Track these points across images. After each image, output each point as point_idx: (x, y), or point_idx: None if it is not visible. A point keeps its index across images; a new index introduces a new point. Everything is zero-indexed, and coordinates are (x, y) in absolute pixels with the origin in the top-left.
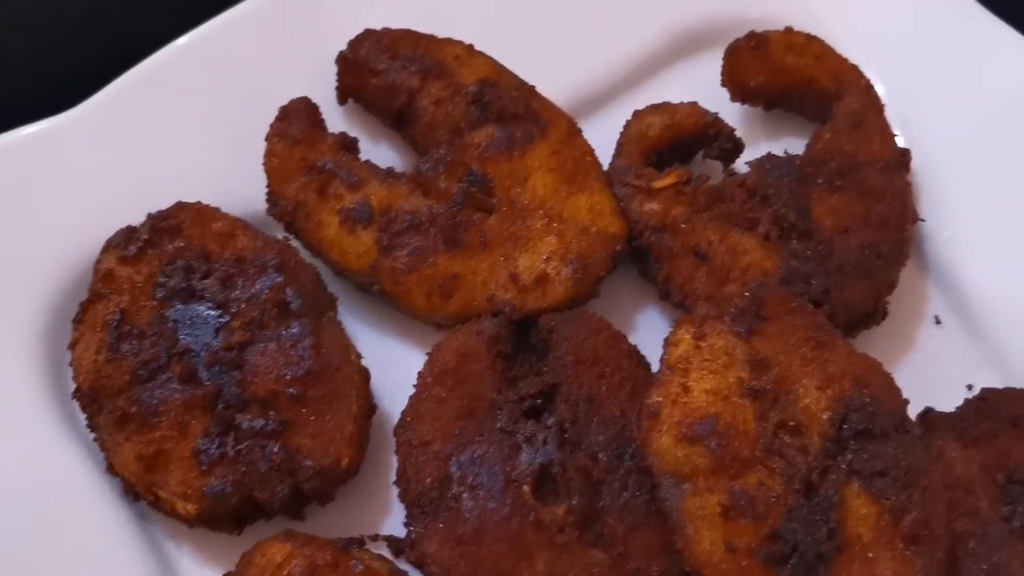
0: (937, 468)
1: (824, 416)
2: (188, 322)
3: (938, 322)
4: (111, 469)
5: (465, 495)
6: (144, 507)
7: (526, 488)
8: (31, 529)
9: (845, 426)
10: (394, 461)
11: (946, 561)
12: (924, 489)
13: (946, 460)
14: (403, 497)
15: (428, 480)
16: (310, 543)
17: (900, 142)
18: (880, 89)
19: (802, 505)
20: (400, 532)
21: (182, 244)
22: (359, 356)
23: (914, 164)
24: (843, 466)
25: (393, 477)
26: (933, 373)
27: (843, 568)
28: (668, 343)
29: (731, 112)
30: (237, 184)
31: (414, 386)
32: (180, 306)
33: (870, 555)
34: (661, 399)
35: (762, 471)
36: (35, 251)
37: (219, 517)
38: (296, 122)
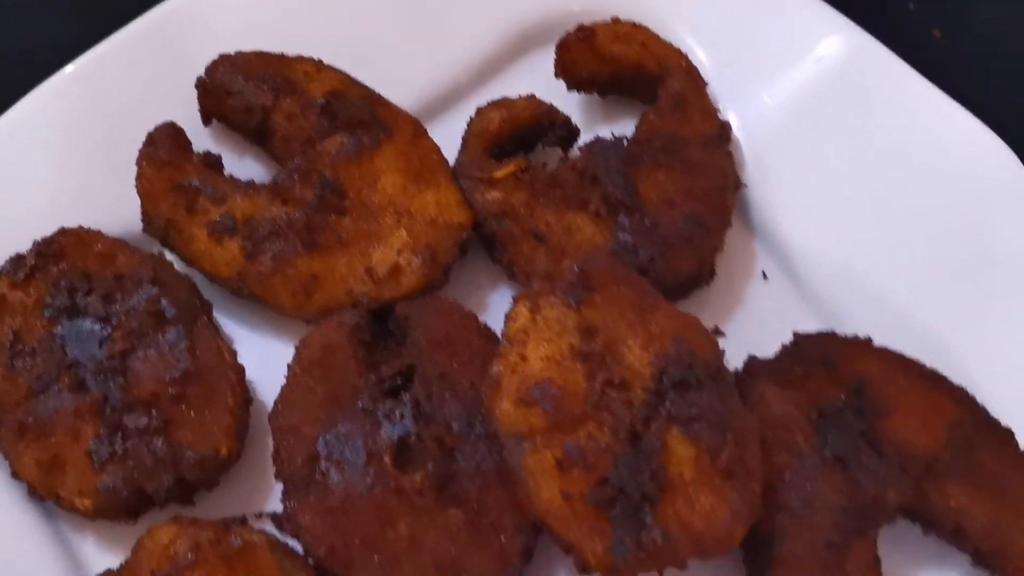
0: (757, 410)
1: (646, 372)
2: (74, 337)
3: (765, 277)
4: (15, 475)
5: (332, 470)
6: (49, 506)
7: (387, 459)
8: None
9: (665, 379)
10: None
11: (765, 493)
12: (738, 430)
13: (766, 402)
14: (278, 477)
15: (299, 460)
16: (194, 524)
17: (728, 116)
18: (706, 67)
19: (627, 453)
20: (280, 509)
21: (66, 266)
22: (233, 354)
23: (740, 135)
24: (664, 415)
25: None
26: (762, 325)
27: (667, 506)
28: (508, 318)
29: (572, 101)
30: (115, 207)
31: (286, 377)
32: (66, 323)
33: (691, 492)
34: (501, 369)
35: (592, 425)
36: None
37: (114, 510)
38: (163, 146)
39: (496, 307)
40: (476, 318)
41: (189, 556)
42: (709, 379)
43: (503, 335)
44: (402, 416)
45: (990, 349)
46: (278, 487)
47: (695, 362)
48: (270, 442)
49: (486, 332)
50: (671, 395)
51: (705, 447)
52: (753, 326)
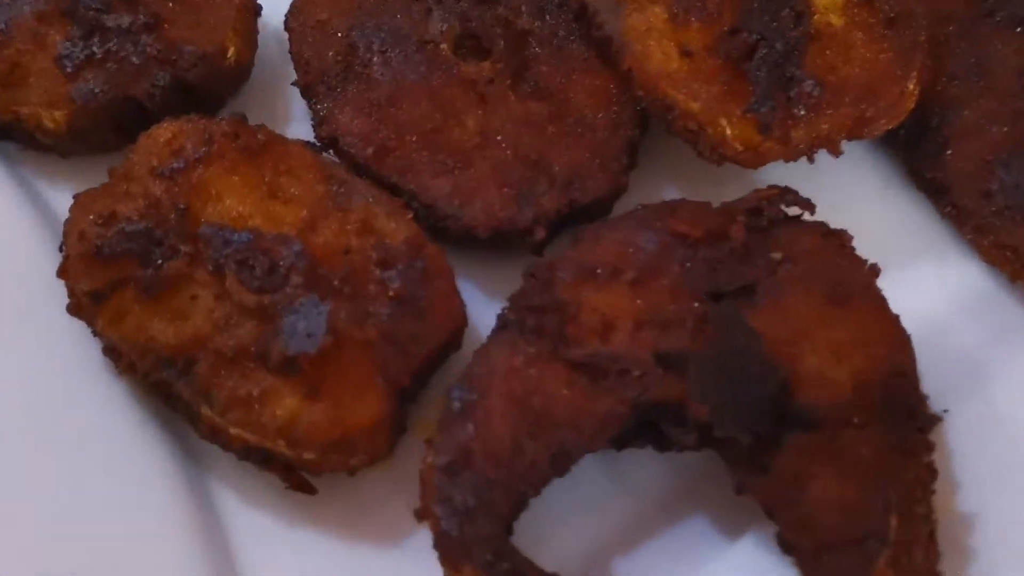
0: None
1: None
2: None
3: None
4: None
5: (375, 60)
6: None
7: (444, 46)
8: None
9: None
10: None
11: (931, 51)
12: None
13: None
14: (303, 82)
15: (330, 54)
16: (204, 119)
17: None
18: None
19: None
20: None
21: None
22: None
23: None
24: None
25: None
26: None
27: (817, 55)
28: None
29: None
30: None
31: None
32: None
33: (846, 39)
34: None
35: None
36: None
37: (94, 128)
38: None
39: None
40: None
41: (201, 149)
42: None
43: None
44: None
45: None
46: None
47: None
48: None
49: None
50: None
51: None
52: None
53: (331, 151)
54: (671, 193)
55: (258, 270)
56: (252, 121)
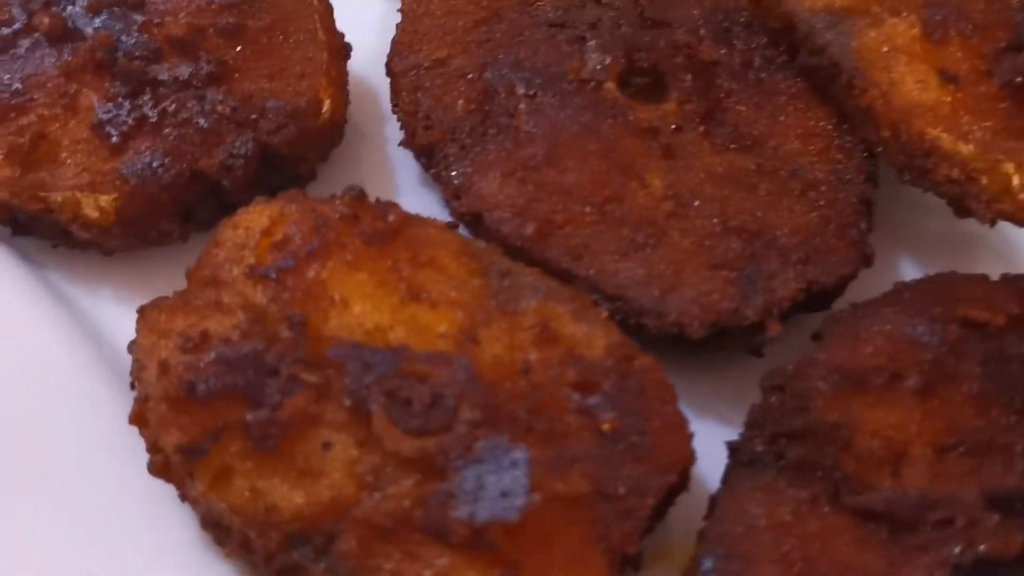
0: None
1: None
2: None
3: None
4: None
5: (522, 108)
6: (32, 242)
7: (610, 85)
8: None
9: None
10: (391, 120)
11: None
12: None
13: None
14: (424, 141)
15: (459, 103)
16: (307, 199)
17: None
18: None
19: None
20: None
21: None
22: None
23: None
24: None
25: (395, 137)
26: None
27: None
28: None
29: None
30: None
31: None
32: None
33: None
34: None
35: None
36: None
37: (151, 214)
38: None
39: None
40: None
41: (313, 239)
42: None
43: None
44: (619, 24)
45: None
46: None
47: None
48: (384, 116)
49: None
50: None
51: None
52: None
53: (472, 230)
54: (909, 265)
55: (416, 404)
56: None
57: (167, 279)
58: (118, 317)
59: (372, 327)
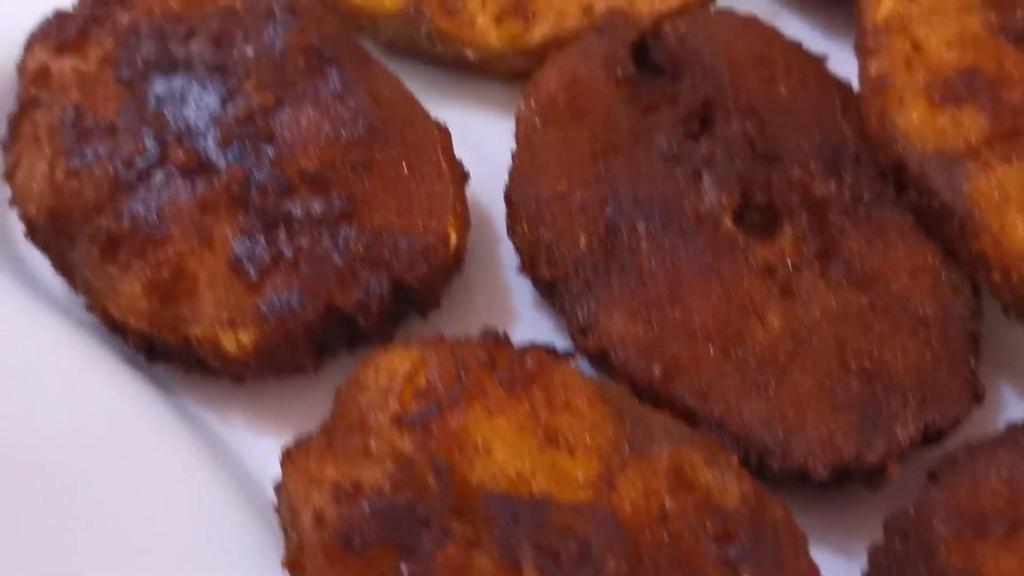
0: None
1: None
2: (177, 98)
3: None
4: (106, 317)
5: (644, 244)
6: (166, 368)
7: (727, 221)
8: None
9: None
10: (506, 246)
11: None
12: None
13: None
14: (549, 275)
15: (583, 238)
16: (443, 343)
17: None
18: None
19: None
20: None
21: (137, 12)
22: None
23: None
24: None
25: (511, 263)
26: None
27: None
28: (861, 5)
29: None
30: None
31: (510, 151)
32: (159, 80)
33: None
34: (886, 66)
35: None
36: None
37: (287, 348)
38: None
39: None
40: (779, 31)
41: (456, 386)
42: None
43: (862, 26)
44: (732, 158)
45: None
46: (523, 304)
47: None
48: (496, 242)
49: (799, 48)
50: None
51: None
52: None
53: (596, 366)
54: (1015, 403)
55: (563, 556)
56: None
57: (298, 407)
58: (250, 445)
59: (515, 474)
